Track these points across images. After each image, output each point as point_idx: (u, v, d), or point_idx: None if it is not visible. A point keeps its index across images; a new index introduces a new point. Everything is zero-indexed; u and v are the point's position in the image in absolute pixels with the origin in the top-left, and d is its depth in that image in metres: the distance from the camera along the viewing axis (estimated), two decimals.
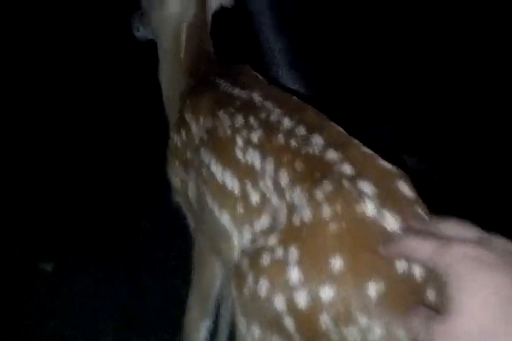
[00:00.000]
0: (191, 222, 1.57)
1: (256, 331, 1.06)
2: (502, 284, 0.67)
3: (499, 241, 0.72)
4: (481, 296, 0.67)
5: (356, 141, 1.06)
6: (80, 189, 2.90)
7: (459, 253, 0.70)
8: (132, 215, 2.71)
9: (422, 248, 0.75)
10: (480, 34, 2.73)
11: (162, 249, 2.50)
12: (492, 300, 0.66)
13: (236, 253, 1.20)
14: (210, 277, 1.56)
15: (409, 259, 0.85)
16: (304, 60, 2.60)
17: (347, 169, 0.99)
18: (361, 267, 0.90)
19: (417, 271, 0.88)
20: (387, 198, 0.94)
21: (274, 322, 1.01)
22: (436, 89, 2.78)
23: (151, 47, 1.75)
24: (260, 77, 1.38)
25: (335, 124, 1.11)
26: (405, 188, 0.98)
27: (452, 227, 0.77)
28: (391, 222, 0.89)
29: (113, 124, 3.36)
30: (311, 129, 1.08)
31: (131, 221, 2.67)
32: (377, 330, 0.88)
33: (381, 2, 2.72)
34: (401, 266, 0.88)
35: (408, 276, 0.88)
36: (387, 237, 0.88)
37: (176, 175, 1.52)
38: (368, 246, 0.90)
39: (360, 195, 0.94)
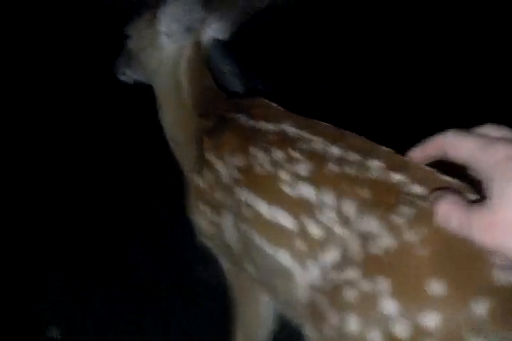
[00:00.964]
0: (226, 263, 1.50)
1: None
2: None
3: None
4: None
5: (412, 161, 1.05)
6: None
7: (504, 153, 0.68)
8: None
9: (464, 145, 0.72)
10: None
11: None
12: None
13: (301, 292, 1.15)
14: (255, 316, 1.50)
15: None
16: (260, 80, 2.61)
17: (417, 189, 0.97)
18: (463, 286, 0.87)
19: None
20: None
21: None
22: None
23: None
24: (279, 108, 1.34)
25: (383, 146, 1.10)
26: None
27: (490, 129, 0.74)
28: None
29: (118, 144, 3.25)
30: (363, 154, 1.05)
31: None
32: None
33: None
34: (502, 276, 0.86)
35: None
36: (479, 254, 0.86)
37: (202, 218, 1.46)
38: (464, 264, 0.88)
39: None
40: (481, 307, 0.86)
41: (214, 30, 1.57)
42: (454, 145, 0.74)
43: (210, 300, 2.23)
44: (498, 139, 0.71)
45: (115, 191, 2.93)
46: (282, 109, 1.32)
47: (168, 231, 2.63)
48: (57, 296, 2.41)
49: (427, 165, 0.91)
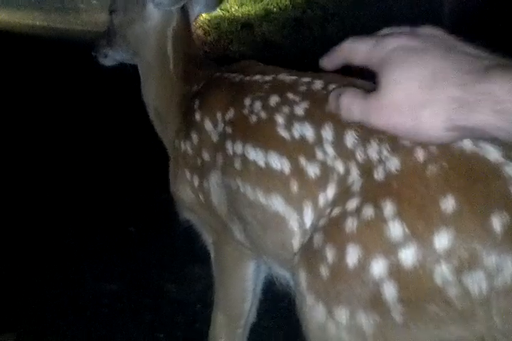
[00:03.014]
0: (212, 234, 1.44)
1: (341, 315, 0.93)
2: (428, 63, 0.71)
3: (429, 29, 0.77)
4: (407, 71, 0.72)
5: None
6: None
7: (392, 44, 0.75)
8: None
9: (359, 48, 0.79)
10: None
11: None
12: (417, 74, 0.71)
13: (296, 241, 1.09)
14: (241, 289, 1.42)
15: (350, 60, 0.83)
16: None
17: None
18: (478, 202, 0.83)
19: None
20: None
21: (367, 298, 0.90)
22: None
23: None
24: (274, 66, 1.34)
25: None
26: None
27: (386, 30, 0.81)
28: (493, 152, 0.84)
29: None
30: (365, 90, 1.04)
31: None
32: (510, 267, 0.80)
33: None
34: None
35: None
36: (493, 169, 0.83)
37: (188, 187, 1.40)
38: (477, 179, 0.84)
39: None
40: (496, 223, 0.81)
41: (202, 5, 1.59)
42: (353, 49, 0.81)
43: (184, 318, 2.13)
44: (389, 35, 0.78)
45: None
46: (277, 67, 1.32)
47: (139, 252, 2.57)
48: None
49: None
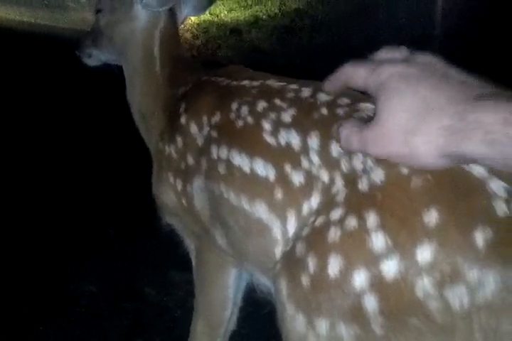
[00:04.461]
0: (193, 240, 1.42)
1: (322, 326, 0.92)
2: (422, 92, 0.73)
3: (425, 57, 0.79)
4: (401, 100, 0.74)
5: None
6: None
7: (388, 71, 0.77)
8: None
9: (358, 73, 0.81)
10: None
11: None
12: (411, 103, 0.73)
13: (278, 249, 1.08)
14: (222, 296, 1.40)
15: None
16: None
17: None
18: (461, 216, 0.82)
19: None
20: None
21: (348, 309, 0.89)
22: None
23: None
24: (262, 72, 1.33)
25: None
26: None
27: (384, 53, 0.83)
28: (477, 167, 0.83)
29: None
30: (353, 99, 1.03)
31: None
32: (491, 283, 0.79)
33: None
34: (500, 207, 0.81)
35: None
36: (477, 184, 0.83)
37: (171, 190, 1.38)
38: (461, 194, 0.83)
39: None
40: (479, 238, 0.80)
41: (190, 8, 1.58)
42: (351, 75, 0.84)
43: (162, 323, 2.10)
44: (384, 61, 0.80)
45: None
46: (265, 73, 1.31)
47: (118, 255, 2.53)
48: None
49: None
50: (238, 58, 6.55)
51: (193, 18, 7.11)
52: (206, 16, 7.50)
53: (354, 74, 0.83)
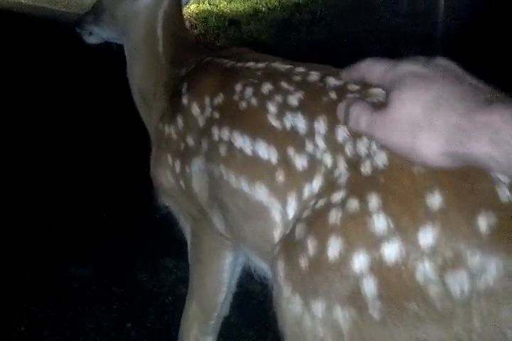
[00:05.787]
0: (190, 222, 1.40)
1: (318, 308, 0.91)
2: (435, 90, 0.77)
3: (441, 61, 0.83)
4: (414, 94, 0.78)
5: None
6: None
7: (403, 70, 0.81)
8: None
9: (376, 69, 0.87)
10: None
11: None
12: (423, 98, 0.77)
13: (277, 232, 1.07)
14: (217, 280, 1.39)
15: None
16: None
17: None
18: (465, 201, 0.81)
19: None
20: None
21: (345, 292, 0.89)
22: None
23: None
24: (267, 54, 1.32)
25: None
26: None
27: (404, 61, 0.86)
28: None
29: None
30: (362, 86, 1.01)
31: None
32: (493, 269, 0.79)
33: None
34: (504, 193, 0.81)
35: None
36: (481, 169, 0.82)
37: (169, 171, 1.37)
38: (465, 178, 0.82)
39: None
40: (482, 223, 0.79)
41: None
42: (369, 69, 0.89)
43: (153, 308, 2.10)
44: (403, 61, 0.84)
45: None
46: (269, 55, 1.30)
47: (112, 239, 2.52)
48: None
49: None
50: None
51: (192, 7, 7.06)
52: (205, 6, 7.44)
53: (372, 69, 0.88)
